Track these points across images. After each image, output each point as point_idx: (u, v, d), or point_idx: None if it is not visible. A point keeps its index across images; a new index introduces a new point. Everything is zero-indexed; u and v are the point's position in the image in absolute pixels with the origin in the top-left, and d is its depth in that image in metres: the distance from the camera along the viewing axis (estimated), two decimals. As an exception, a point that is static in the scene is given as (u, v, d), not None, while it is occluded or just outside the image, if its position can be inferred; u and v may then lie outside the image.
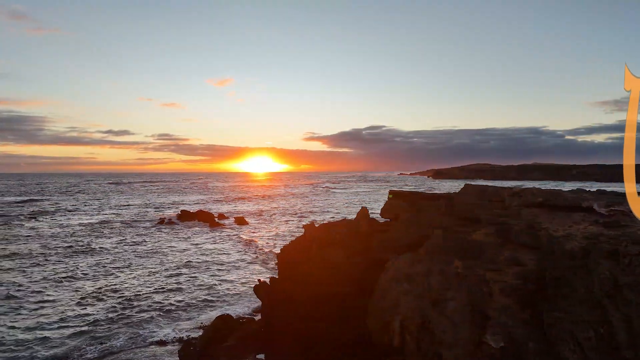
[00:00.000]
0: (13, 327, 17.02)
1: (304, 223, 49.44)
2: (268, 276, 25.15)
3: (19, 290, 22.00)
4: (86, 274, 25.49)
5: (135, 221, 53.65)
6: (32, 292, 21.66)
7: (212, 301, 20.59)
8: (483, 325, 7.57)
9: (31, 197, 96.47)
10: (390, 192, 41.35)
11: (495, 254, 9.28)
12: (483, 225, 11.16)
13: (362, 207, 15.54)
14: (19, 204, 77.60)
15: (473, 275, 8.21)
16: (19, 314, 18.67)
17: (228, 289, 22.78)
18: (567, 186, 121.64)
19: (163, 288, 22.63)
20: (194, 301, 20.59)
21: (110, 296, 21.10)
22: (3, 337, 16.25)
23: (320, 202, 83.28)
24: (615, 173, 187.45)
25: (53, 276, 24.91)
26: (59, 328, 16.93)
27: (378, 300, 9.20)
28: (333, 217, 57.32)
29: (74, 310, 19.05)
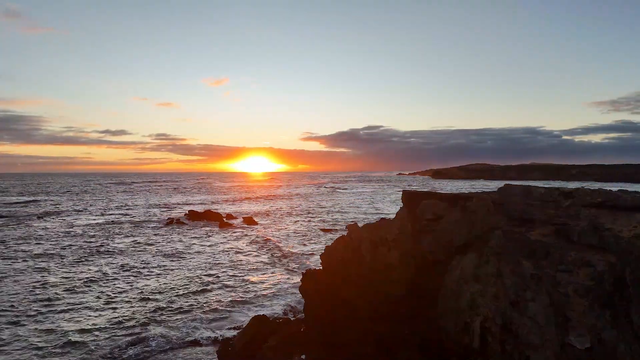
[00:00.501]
0: (47, 330, 16.90)
1: (314, 223, 49.58)
2: (295, 277, 25.17)
3: (46, 292, 21.86)
4: (110, 275, 25.34)
5: (145, 221, 53.50)
6: (60, 294, 21.51)
7: (241, 302, 20.49)
8: (565, 326, 7.52)
9: (34, 198, 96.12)
10: (404, 192, 41.35)
11: (562, 255, 9.21)
12: (539, 226, 11.09)
13: (400, 207, 15.46)
14: (24, 204, 77.30)
15: (545, 276, 8.16)
16: (51, 316, 18.54)
17: (255, 289, 22.69)
18: (572, 186, 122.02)
19: (189, 289, 22.52)
20: (222, 301, 20.49)
21: (138, 297, 20.97)
22: (40, 339, 16.14)
23: (327, 202, 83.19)
24: (614, 173, 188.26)
25: (77, 278, 24.76)
26: (92, 330, 16.80)
27: (449, 301, 9.14)
28: (343, 217, 57.26)
29: (104, 312, 18.93)
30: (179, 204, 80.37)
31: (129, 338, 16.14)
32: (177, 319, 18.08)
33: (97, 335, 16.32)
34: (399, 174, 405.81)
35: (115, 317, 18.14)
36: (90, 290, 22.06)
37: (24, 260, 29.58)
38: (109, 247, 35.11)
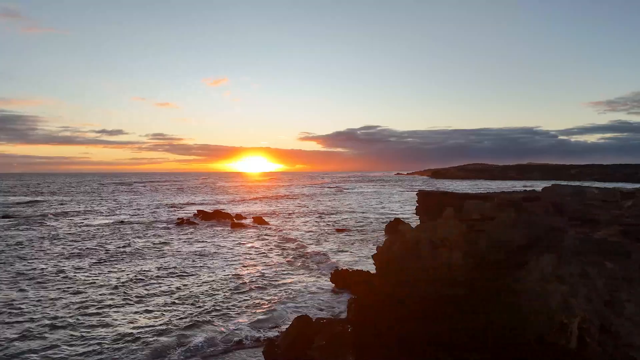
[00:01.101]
0: (82, 337, 16.78)
1: (326, 223, 49.58)
2: (320, 277, 25.11)
3: (77, 296, 21.75)
4: (136, 277, 25.19)
5: (155, 221, 53.34)
6: (91, 297, 21.38)
7: (275, 302, 20.43)
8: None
9: (37, 198, 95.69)
10: (420, 192, 41.11)
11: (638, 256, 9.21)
12: (603, 227, 11.10)
13: (447, 208, 15.42)
14: (30, 204, 76.89)
15: (637, 278, 8.15)
16: (85, 320, 18.43)
17: (286, 289, 22.63)
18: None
19: (221, 289, 22.42)
20: (257, 302, 20.42)
21: (171, 299, 20.86)
22: (77, 345, 16.03)
23: (334, 202, 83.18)
24: (614, 173, 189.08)
25: (105, 280, 24.63)
26: (131, 334, 16.70)
27: (533, 302, 9.13)
28: (354, 217, 57.27)
29: (140, 314, 18.81)
30: (184, 204, 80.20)
31: (172, 340, 16.04)
32: (216, 320, 17.99)
33: (137, 339, 16.21)
34: (397, 173, 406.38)
35: (153, 320, 18.03)
36: (121, 292, 21.92)
37: (46, 262, 29.41)
38: (127, 247, 34.96)
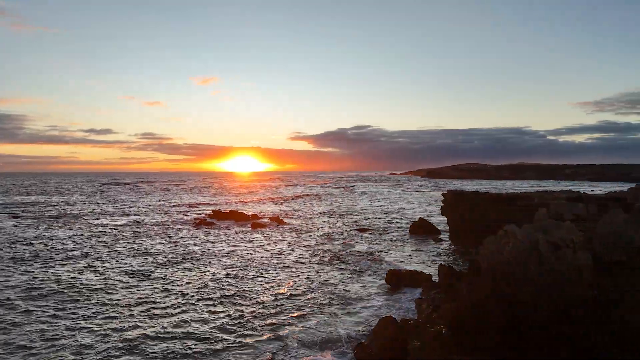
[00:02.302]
0: (169, 344, 16.42)
1: (344, 223, 49.31)
2: (372, 277, 24.84)
3: (135, 300, 21.31)
4: (185, 279, 24.81)
5: (171, 222, 52.65)
6: (157, 301, 20.96)
7: (344, 303, 20.23)
8: None
9: (41, 199, 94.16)
10: (449, 192, 41.01)
11: None
12: None
13: (540, 208, 15.34)
14: (37, 204, 75.48)
15: None
16: (162, 322, 18.05)
17: (341, 290, 22.41)
18: (570, 185, 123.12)
19: (278, 291, 22.12)
20: (323, 302, 20.19)
21: (236, 302, 20.54)
22: (158, 349, 15.67)
23: (345, 202, 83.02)
24: (608, 172, 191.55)
25: (160, 284, 24.20)
26: (226, 338, 16.39)
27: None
28: (371, 217, 57.17)
29: (207, 319, 18.47)
30: (193, 204, 79.42)
31: (247, 341, 15.75)
32: (290, 322, 17.74)
33: (230, 341, 15.90)
34: (390, 173, 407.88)
35: (231, 323, 17.72)
36: (174, 295, 21.55)
37: (91, 264, 28.83)
38: (155, 248, 34.44)
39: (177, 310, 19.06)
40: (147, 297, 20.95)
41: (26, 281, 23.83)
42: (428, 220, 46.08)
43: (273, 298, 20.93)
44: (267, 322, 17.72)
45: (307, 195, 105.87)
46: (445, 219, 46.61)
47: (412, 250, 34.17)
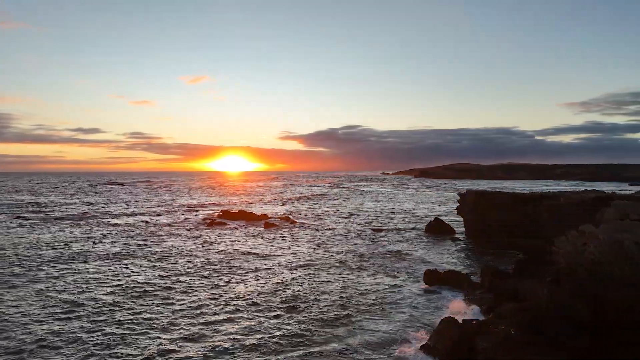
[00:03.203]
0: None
1: (356, 223, 49.31)
2: (406, 277, 24.82)
3: (180, 305, 21.04)
4: (221, 281, 24.61)
5: (180, 222, 52.15)
6: (200, 305, 20.72)
7: (391, 302, 20.22)
8: None
9: (40, 199, 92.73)
10: (469, 192, 41.11)
11: None
12: None
13: (606, 209, 15.43)
14: (36, 205, 74.22)
15: None
16: (205, 330, 17.85)
17: (388, 291, 22.40)
18: (566, 185, 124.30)
19: (320, 292, 22.03)
20: (369, 304, 20.14)
21: (279, 303, 20.42)
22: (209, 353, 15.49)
23: (350, 202, 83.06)
24: (600, 172, 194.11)
25: (196, 285, 23.94)
26: (284, 342, 16.26)
27: None
28: (382, 217, 57.25)
29: (276, 326, 18.32)
30: (198, 204, 78.80)
31: (319, 346, 15.66)
32: (347, 325, 17.66)
33: (291, 344, 15.76)
34: (383, 173, 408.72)
35: (281, 324, 17.59)
36: (254, 300, 21.36)
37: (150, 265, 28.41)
38: (177, 249, 34.08)
39: (234, 314, 18.88)
40: (218, 299, 20.71)
41: (112, 283, 23.41)
42: (446, 219, 46.28)
43: (322, 302, 20.81)
44: (328, 326, 17.63)
45: (310, 195, 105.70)
46: (458, 219, 47.01)
47: (433, 250, 34.27)
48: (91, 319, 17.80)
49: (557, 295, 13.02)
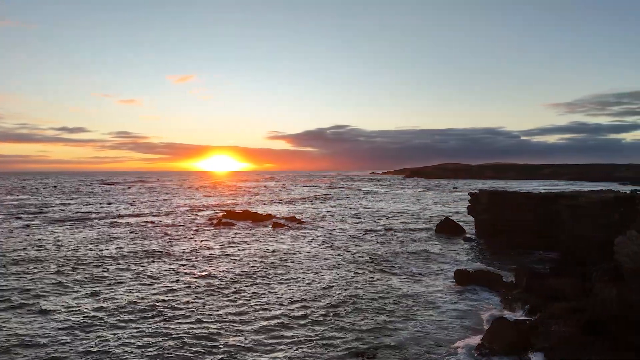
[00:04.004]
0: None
1: (364, 224, 49.11)
2: (443, 280, 24.80)
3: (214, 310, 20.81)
4: (242, 282, 24.46)
5: (185, 222, 51.59)
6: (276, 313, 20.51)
7: (426, 302, 20.28)
8: None
9: (37, 200, 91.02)
10: (482, 191, 41.36)
11: None
12: None
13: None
14: (30, 205, 72.73)
15: None
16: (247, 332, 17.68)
17: (416, 292, 22.44)
18: (561, 185, 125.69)
19: (356, 299, 21.98)
20: (404, 305, 20.17)
21: (324, 305, 20.34)
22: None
23: (351, 203, 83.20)
24: (588, 172, 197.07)
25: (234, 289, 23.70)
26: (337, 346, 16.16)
27: None
28: (388, 217, 57.34)
29: (336, 335, 18.21)
30: (203, 205, 78.07)
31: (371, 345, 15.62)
32: (394, 328, 17.65)
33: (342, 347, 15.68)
34: (372, 173, 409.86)
35: (355, 326, 17.52)
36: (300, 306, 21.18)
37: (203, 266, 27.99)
38: (182, 250, 33.72)
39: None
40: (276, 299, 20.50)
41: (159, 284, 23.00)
42: (455, 219, 46.57)
43: (359, 306, 20.77)
44: (376, 328, 17.60)
45: (309, 195, 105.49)
46: (465, 218, 47.39)
47: (451, 250, 34.44)
48: (171, 318, 17.53)
49: (624, 295, 13.16)
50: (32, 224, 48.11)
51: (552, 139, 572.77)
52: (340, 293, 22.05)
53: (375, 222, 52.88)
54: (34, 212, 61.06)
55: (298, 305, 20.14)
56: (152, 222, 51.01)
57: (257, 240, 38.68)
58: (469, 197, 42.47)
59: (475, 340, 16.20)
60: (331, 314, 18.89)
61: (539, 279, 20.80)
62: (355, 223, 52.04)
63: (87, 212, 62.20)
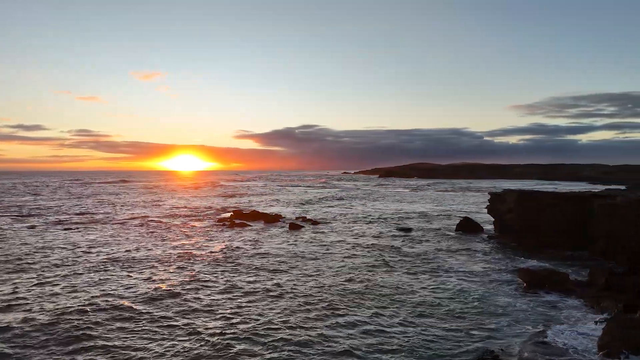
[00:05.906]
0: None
1: (378, 224, 49.09)
2: (511, 281, 24.79)
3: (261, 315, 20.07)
4: (288, 285, 23.84)
5: (198, 222, 50.05)
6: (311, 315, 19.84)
7: (491, 310, 20.21)
8: None
9: (24, 200, 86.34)
10: (508, 191, 41.84)
11: None
12: None
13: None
14: (22, 206, 68.80)
15: None
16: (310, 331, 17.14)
17: (481, 295, 22.40)
18: (536, 184, 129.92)
19: (421, 303, 21.75)
20: (476, 312, 20.09)
21: (406, 311, 19.97)
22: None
23: (353, 203, 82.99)
24: (553, 171, 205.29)
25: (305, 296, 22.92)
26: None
27: None
28: (400, 217, 57.47)
29: (394, 342, 17.82)
30: (198, 205, 76.02)
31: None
32: (483, 338, 17.53)
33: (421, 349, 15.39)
34: (344, 172, 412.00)
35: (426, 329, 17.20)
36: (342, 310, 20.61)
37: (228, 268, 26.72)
38: (208, 252, 32.64)
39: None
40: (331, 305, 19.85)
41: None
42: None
43: (427, 312, 20.55)
44: (468, 337, 17.39)
45: (308, 195, 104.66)
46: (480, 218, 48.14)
47: (483, 249, 34.77)
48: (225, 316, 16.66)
49: None
50: (38, 227, 45.44)
51: (513, 139, 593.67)
52: (413, 297, 21.75)
53: (386, 221, 52.89)
54: (33, 215, 57.77)
55: (406, 309, 19.70)
56: (156, 222, 49.23)
57: (285, 241, 37.86)
58: (489, 197, 43.13)
59: (586, 341, 16.23)
60: (416, 317, 18.57)
61: (617, 278, 21.17)
62: (369, 223, 51.85)
63: (94, 213, 59.36)
